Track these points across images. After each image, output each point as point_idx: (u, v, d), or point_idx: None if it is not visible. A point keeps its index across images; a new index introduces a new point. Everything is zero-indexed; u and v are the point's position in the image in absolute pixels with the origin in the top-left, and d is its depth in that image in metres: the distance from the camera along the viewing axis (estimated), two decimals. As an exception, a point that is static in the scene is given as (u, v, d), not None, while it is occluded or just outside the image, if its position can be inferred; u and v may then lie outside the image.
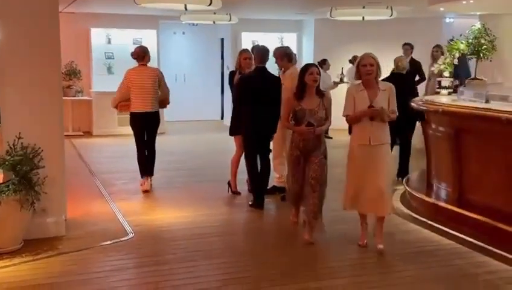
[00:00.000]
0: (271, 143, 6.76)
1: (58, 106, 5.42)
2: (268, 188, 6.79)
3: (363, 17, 10.19)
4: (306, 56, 13.02)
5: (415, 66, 9.28)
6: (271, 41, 12.69)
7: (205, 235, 5.32)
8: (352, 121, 4.87)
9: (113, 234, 5.25)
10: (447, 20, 12.20)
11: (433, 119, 6.23)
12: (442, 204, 5.97)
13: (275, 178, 6.92)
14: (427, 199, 6.18)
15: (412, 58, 9.54)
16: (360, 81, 4.87)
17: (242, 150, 6.62)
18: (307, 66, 5.16)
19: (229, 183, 6.84)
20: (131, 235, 5.25)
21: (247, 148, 6.41)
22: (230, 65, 13.13)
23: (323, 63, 11.19)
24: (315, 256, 4.87)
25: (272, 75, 6.40)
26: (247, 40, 12.76)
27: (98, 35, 11.92)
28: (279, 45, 13.17)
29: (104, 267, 4.46)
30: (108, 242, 5.00)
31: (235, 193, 6.85)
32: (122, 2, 9.88)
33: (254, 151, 6.39)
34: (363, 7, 9.75)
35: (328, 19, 11.16)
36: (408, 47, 9.89)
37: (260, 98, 6.22)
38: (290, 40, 13.23)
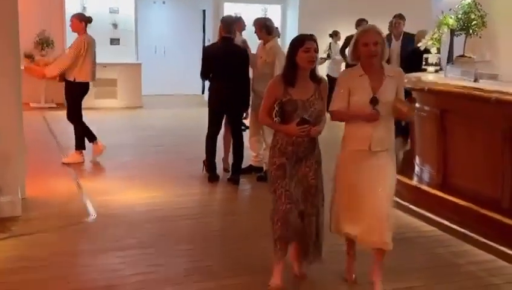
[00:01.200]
0: (247, 121, 6.45)
1: (14, 75, 4.97)
2: (244, 167, 6.48)
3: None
4: (290, 30, 12.57)
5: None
6: (254, 12, 12.25)
7: (174, 218, 5.00)
8: (344, 118, 3.65)
9: (74, 215, 4.90)
10: (436, -5, 11.78)
11: (418, 98, 5.90)
12: (425, 188, 5.68)
13: (251, 157, 6.59)
14: (409, 181, 5.89)
15: (405, 32, 8.99)
16: (357, 66, 3.64)
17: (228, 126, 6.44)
18: (301, 39, 3.55)
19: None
20: (93, 216, 4.90)
21: (208, 123, 6.21)
22: (211, 38, 12.69)
23: (334, 34, 10.80)
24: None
25: (237, 47, 6.01)
26: (230, 12, 12.23)
27: (72, 3, 11.31)
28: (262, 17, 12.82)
29: (58, 253, 4.11)
30: (64, 225, 4.64)
31: (226, 170, 6.54)
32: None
33: (213, 127, 6.15)
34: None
35: (314, -10, 10.79)
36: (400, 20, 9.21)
37: (221, 71, 5.93)
38: (274, 12, 12.77)
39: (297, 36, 3.68)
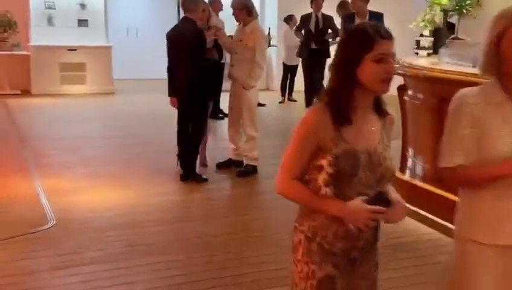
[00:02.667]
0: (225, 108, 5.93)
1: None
2: (222, 161, 5.97)
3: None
4: (269, 11, 12.02)
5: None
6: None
7: (147, 224, 4.45)
8: (476, 181, 1.99)
9: (30, 222, 4.33)
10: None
11: (411, 85, 5.44)
12: (419, 183, 5.24)
13: (231, 150, 6.07)
14: (401, 176, 5.45)
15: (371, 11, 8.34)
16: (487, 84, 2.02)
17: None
18: (370, 38, 1.83)
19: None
20: (51, 223, 4.34)
21: None
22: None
23: (289, 19, 10.22)
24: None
25: (190, 27, 5.32)
26: (205, -9, 11.64)
27: (36, -18, 10.60)
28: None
29: (6, 270, 3.56)
30: (19, 234, 4.08)
31: (203, 165, 6.01)
32: None
33: (178, 120, 5.58)
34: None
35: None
36: None
37: (170, 54, 5.45)
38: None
39: (358, 29, 1.92)
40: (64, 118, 8.51)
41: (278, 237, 4.23)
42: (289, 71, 10.31)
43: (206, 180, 5.52)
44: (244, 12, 5.69)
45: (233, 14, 5.82)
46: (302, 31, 8.79)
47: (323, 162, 1.87)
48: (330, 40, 8.67)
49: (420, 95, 5.33)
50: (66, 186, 5.29)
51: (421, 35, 6.09)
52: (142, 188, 5.29)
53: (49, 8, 10.72)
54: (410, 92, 5.53)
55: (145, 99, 10.47)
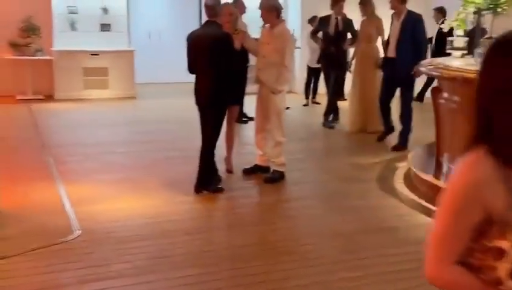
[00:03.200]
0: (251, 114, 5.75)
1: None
2: (248, 167, 5.80)
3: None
4: (292, 12, 11.82)
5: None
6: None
7: (172, 234, 4.29)
8: None
9: (55, 232, 4.20)
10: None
11: (446, 88, 5.22)
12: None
13: (257, 155, 5.89)
14: (437, 182, 5.22)
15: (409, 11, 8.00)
16: None
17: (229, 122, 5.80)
18: None
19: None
20: (77, 233, 4.20)
21: None
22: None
23: (313, 21, 10.00)
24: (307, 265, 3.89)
25: (217, 32, 5.07)
26: (228, -6, 11.50)
27: (59, -13, 10.55)
28: None
29: (30, 284, 3.43)
30: (44, 245, 3.95)
31: (229, 171, 5.86)
32: None
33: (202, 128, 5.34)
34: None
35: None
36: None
37: (198, 61, 5.15)
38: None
39: None
40: (86, 124, 8.43)
41: (306, 248, 4.07)
42: (313, 74, 10.10)
43: (221, 190, 5.27)
44: (274, 14, 5.48)
45: (261, 16, 5.62)
46: (319, 34, 8.48)
47: (504, 245, 1.29)
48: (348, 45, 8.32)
49: (457, 98, 5.11)
50: (89, 194, 5.16)
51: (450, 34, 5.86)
52: (166, 196, 5.14)
53: (72, 12, 10.67)
54: (445, 95, 5.31)
55: (167, 104, 10.36)
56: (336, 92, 8.49)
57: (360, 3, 7.78)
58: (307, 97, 10.33)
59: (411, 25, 6.61)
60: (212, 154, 5.28)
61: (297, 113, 9.46)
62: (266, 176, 5.61)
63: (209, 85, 5.10)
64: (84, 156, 6.49)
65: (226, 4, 6.02)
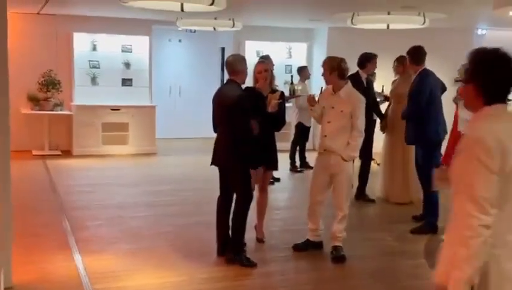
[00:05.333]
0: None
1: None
2: (300, 243, 5.25)
3: (388, 26, 8.78)
4: (317, 69, 11.53)
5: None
6: (278, 51, 11.31)
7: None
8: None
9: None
10: (479, 31, 10.79)
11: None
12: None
13: (309, 230, 5.28)
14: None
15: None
16: None
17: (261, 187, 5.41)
18: None
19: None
20: (96, 318, 3.73)
21: None
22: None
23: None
24: None
25: (232, 89, 4.74)
26: (251, 50, 11.33)
27: (81, 41, 10.40)
28: (286, 56, 11.84)
29: None
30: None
31: (260, 240, 5.44)
32: (109, 3, 8.43)
33: (220, 193, 5.00)
34: (388, 13, 8.34)
35: (343, 27, 9.74)
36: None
37: (214, 119, 4.94)
38: (299, 51, 11.82)
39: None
40: (105, 182, 8.06)
41: None
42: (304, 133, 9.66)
43: (254, 265, 4.78)
44: (335, 74, 4.98)
45: (322, 75, 5.14)
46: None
47: None
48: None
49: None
50: (107, 267, 4.70)
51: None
52: (192, 271, 4.65)
53: (94, 67, 10.49)
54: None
55: (188, 161, 9.99)
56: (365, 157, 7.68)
57: (397, 60, 7.33)
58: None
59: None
60: (244, 222, 4.85)
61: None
62: (335, 255, 5.03)
63: (224, 145, 4.78)
64: (103, 221, 6.07)
65: (261, 60, 5.67)
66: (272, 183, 8.07)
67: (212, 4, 6.06)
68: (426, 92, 5.92)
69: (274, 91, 5.27)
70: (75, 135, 10.12)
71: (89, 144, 10.13)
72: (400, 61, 7.21)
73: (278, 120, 5.20)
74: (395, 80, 7.56)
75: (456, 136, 9.41)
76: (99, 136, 10.23)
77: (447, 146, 9.75)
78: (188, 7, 6.45)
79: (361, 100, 5.01)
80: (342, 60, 5.04)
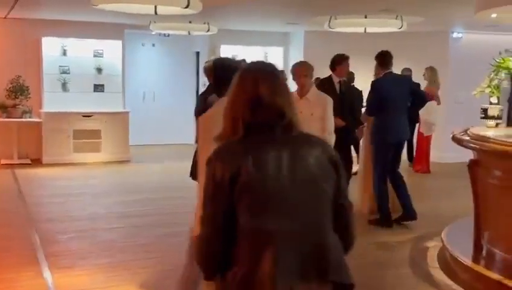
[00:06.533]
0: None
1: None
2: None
3: (365, 29, 8.69)
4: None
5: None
6: (254, 55, 11.12)
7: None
8: None
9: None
10: (455, 35, 10.78)
11: (491, 163, 4.65)
12: (499, 278, 4.37)
13: None
14: (474, 267, 4.59)
15: None
16: None
17: None
18: None
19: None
20: None
21: None
22: (207, 82, 11.45)
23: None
24: None
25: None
26: (227, 54, 11.09)
27: (51, 46, 10.05)
28: (262, 59, 11.62)
29: None
30: None
31: None
32: (80, 7, 8.15)
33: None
34: (365, 16, 8.25)
35: (319, 30, 9.63)
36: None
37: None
38: (275, 55, 11.66)
39: None
40: (77, 192, 7.76)
41: None
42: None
43: None
44: (310, 79, 4.94)
45: (298, 80, 4.98)
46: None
47: None
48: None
49: (501, 174, 4.56)
50: (81, 284, 4.42)
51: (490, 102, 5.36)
52: (170, 287, 4.41)
53: (64, 72, 10.15)
54: (495, 172, 4.73)
55: (163, 168, 9.74)
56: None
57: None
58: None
59: None
60: None
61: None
62: None
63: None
64: (74, 234, 5.78)
65: (299, 64, 5.33)
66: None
67: (187, 7, 5.87)
68: (375, 100, 6.15)
69: None
70: (45, 143, 9.77)
71: (60, 152, 9.79)
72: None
73: None
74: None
75: (419, 138, 9.42)
76: (71, 144, 9.90)
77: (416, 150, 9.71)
78: (161, 10, 6.24)
79: (330, 100, 4.91)
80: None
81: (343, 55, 6.82)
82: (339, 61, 6.84)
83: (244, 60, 7.63)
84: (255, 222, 1.74)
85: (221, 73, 4.16)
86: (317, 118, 4.72)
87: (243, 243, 1.76)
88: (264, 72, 1.92)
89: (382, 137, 6.14)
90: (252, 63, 2.01)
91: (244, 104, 1.84)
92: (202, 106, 4.44)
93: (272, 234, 1.73)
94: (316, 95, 4.87)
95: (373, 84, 6.27)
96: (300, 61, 5.31)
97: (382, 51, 6.26)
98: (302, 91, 4.91)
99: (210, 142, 1.97)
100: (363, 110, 6.97)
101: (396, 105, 6.09)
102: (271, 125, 1.84)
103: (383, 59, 6.20)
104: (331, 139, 4.82)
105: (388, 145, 6.15)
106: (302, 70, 4.96)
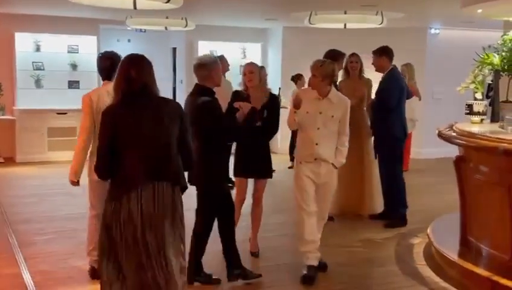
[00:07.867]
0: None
1: None
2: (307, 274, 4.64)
3: (345, 25, 8.64)
4: (272, 69, 11.35)
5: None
6: (232, 51, 11.00)
7: None
8: None
9: None
10: (432, 31, 10.85)
11: (478, 159, 4.64)
12: (487, 274, 4.37)
13: (311, 250, 4.88)
14: (462, 263, 4.58)
15: None
16: None
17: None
18: None
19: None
20: None
21: None
22: (184, 79, 11.31)
23: (298, 78, 9.52)
24: None
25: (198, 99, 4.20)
26: (204, 50, 10.96)
27: (24, 42, 9.77)
28: (241, 56, 11.52)
29: None
30: None
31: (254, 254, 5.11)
32: (54, 1, 7.93)
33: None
34: (345, 12, 8.20)
35: (298, 26, 9.57)
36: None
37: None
38: (253, 51, 11.56)
39: None
40: (52, 192, 7.53)
41: None
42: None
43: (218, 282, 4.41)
44: (327, 82, 4.50)
45: (309, 81, 4.72)
46: None
47: None
48: None
49: (489, 171, 4.55)
50: (61, 285, 4.28)
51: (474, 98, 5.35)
52: None
53: (38, 69, 9.88)
54: (480, 168, 4.71)
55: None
56: None
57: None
58: (291, 159, 9.70)
59: None
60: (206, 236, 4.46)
61: (285, 178, 8.78)
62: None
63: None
64: (52, 235, 5.62)
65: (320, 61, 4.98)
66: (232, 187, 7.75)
67: (168, 1, 5.73)
68: (396, 90, 6.15)
69: (273, 95, 5.02)
70: (19, 141, 9.50)
71: (34, 150, 9.53)
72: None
73: (267, 130, 4.94)
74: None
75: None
76: (45, 142, 9.65)
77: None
78: (141, 4, 6.08)
79: (349, 104, 4.64)
80: (334, 67, 4.65)
81: (340, 52, 6.62)
82: (335, 59, 6.63)
83: (222, 56, 7.56)
84: (128, 148, 2.97)
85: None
86: (336, 120, 4.50)
87: (122, 161, 2.98)
88: (135, 59, 3.08)
89: (403, 128, 6.13)
90: (129, 54, 3.11)
91: (122, 79, 3.02)
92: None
93: (137, 155, 2.96)
94: (338, 97, 4.57)
95: (391, 74, 6.11)
96: (319, 61, 4.70)
97: (387, 46, 6.28)
98: (321, 92, 4.53)
99: None
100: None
101: (403, 98, 6.24)
102: (138, 92, 2.99)
103: (392, 53, 6.24)
104: (346, 140, 4.63)
105: (405, 137, 6.28)
106: (311, 69, 4.68)
